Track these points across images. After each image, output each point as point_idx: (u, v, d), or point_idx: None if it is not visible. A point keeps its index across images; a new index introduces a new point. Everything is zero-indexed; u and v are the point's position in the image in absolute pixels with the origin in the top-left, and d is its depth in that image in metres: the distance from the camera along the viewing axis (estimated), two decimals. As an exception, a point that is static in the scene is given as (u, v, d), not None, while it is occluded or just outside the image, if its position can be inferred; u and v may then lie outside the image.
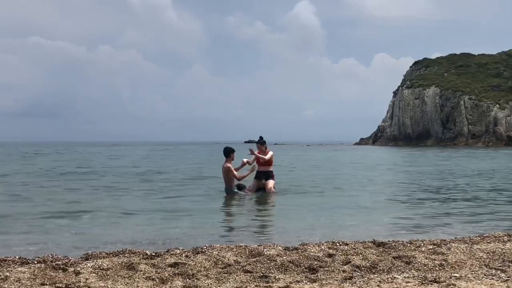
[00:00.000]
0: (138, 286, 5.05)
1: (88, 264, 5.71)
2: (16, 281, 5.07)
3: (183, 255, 6.32)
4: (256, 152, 15.44)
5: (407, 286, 5.07)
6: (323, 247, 6.81)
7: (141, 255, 6.29)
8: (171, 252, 6.49)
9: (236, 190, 14.98)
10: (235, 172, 14.93)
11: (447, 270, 5.68)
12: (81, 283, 5.07)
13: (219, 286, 5.12)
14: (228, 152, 15.03)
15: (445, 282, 5.17)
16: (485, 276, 5.39)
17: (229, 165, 14.87)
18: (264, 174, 15.61)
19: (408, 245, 7.04)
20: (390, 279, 5.30)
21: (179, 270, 5.62)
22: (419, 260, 6.04)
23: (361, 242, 7.20)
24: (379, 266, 5.84)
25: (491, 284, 5.09)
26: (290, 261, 5.96)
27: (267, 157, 15.52)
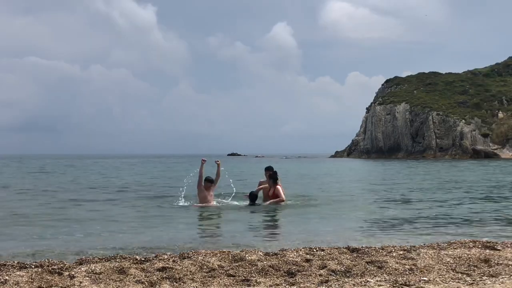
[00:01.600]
0: (129, 289, 5.25)
1: (82, 269, 5.89)
2: (15, 285, 5.25)
3: (171, 260, 6.54)
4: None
5: (379, 288, 5.28)
6: (301, 253, 7.01)
7: (131, 260, 6.49)
8: (159, 257, 6.68)
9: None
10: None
11: (416, 274, 5.86)
12: (76, 286, 5.27)
13: (204, 289, 5.31)
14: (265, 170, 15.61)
15: (415, 285, 5.37)
16: (451, 280, 5.58)
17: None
18: None
19: (380, 250, 7.24)
20: (363, 282, 5.49)
21: (166, 274, 5.82)
22: (390, 265, 6.22)
23: (336, 248, 7.40)
24: (353, 271, 6.03)
25: (457, 287, 5.29)
26: (270, 266, 6.16)
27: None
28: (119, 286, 5.36)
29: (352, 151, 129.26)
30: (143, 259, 6.61)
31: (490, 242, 8.00)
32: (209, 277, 5.79)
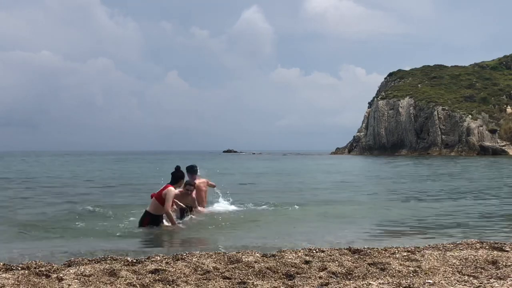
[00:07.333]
0: (120, 292, 5.11)
1: (71, 271, 5.76)
2: (0, 287, 5.10)
3: (164, 261, 6.40)
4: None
5: (382, 292, 5.15)
6: (300, 254, 6.89)
7: (122, 262, 6.35)
8: (152, 259, 6.56)
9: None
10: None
11: (421, 277, 5.75)
12: (64, 289, 5.11)
13: (199, 292, 5.18)
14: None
15: (419, 288, 5.21)
16: (458, 283, 5.46)
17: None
18: None
19: (383, 252, 7.13)
20: (365, 285, 5.37)
21: (159, 276, 5.68)
22: (393, 267, 6.11)
23: (337, 249, 7.30)
24: (355, 273, 5.91)
25: (463, 290, 5.12)
26: (267, 268, 6.04)
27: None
28: (109, 289, 5.20)
29: (353, 147, 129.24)
30: (134, 260, 6.48)
31: (498, 243, 7.86)
32: (204, 279, 5.64)
